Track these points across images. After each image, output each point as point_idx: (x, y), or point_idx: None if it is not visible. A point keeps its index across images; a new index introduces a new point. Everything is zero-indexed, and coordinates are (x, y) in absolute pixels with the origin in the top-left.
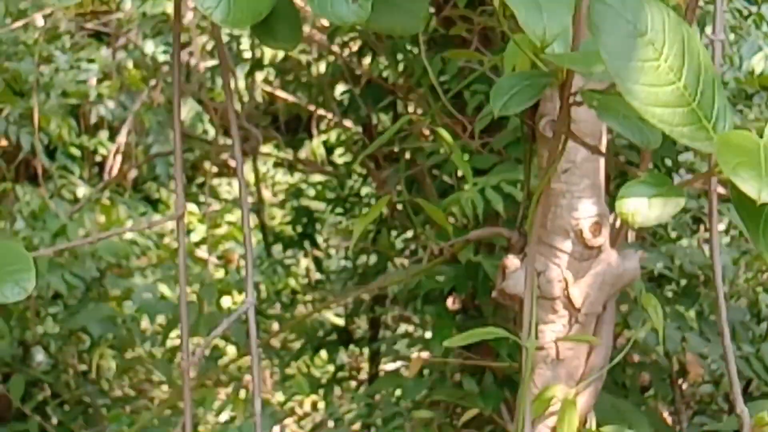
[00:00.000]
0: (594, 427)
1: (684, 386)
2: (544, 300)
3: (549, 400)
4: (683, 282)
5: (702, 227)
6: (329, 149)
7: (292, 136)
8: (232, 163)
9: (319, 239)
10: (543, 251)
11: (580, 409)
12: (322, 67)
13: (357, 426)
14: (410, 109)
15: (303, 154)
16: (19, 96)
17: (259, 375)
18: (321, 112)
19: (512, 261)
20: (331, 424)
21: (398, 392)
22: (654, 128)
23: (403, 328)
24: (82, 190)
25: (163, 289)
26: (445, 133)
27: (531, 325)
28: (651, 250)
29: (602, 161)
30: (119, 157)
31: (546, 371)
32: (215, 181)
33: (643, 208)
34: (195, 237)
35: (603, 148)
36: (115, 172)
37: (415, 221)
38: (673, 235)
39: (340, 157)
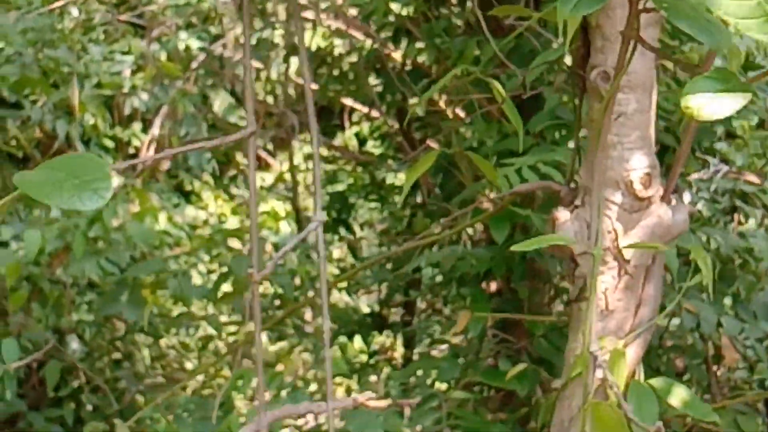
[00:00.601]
0: (642, 379)
1: (719, 372)
2: None
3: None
4: (719, 266)
5: (737, 215)
6: (361, 140)
7: (324, 126)
8: (264, 155)
9: (355, 225)
10: (593, 203)
11: (629, 360)
12: (354, 58)
13: None
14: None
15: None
16: (54, 87)
17: (326, 293)
18: (352, 104)
19: (562, 213)
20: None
21: (433, 375)
22: (721, 29)
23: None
24: (115, 181)
25: (196, 277)
26: (497, 84)
27: (597, 233)
28: (687, 235)
29: (653, 113)
30: (153, 148)
31: (596, 323)
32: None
33: (709, 102)
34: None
35: (653, 100)
36: (149, 163)
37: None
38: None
39: (374, 148)
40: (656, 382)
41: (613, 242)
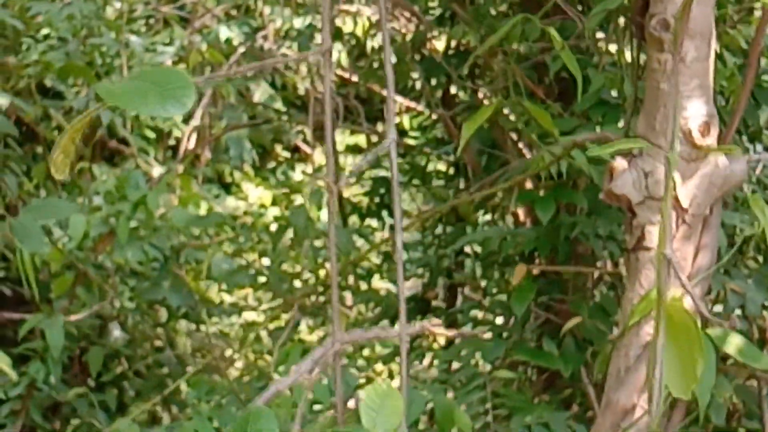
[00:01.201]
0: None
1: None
2: (652, 201)
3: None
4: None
5: None
6: (401, 132)
7: (367, 112)
8: (303, 147)
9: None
10: (651, 152)
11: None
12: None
13: None
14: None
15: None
16: (97, 77)
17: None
18: (396, 96)
19: (620, 162)
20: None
21: (477, 356)
22: None
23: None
24: (157, 171)
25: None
26: (553, 31)
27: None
28: (733, 216)
29: (711, 61)
30: (194, 139)
31: (653, 272)
32: (286, 165)
33: None
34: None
35: (713, 47)
36: (189, 153)
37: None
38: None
39: (413, 139)
40: (712, 331)
41: (671, 191)
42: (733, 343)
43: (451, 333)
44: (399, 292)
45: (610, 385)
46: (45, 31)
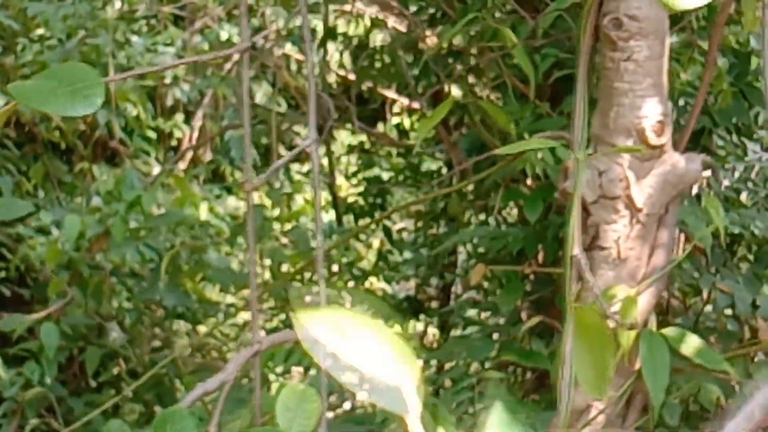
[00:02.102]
0: (655, 328)
1: (755, 356)
2: (606, 200)
3: (610, 300)
4: (755, 248)
5: None
6: (401, 131)
7: (361, 111)
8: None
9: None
10: (605, 151)
11: (641, 308)
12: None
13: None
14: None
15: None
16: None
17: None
18: (393, 95)
19: (574, 162)
20: None
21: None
22: None
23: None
24: (157, 171)
25: (235, 264)
26: (508, 31)
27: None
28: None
29: (665, 60)
30: (195, 139)
31: (608, 271)
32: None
33: None
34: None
35: (667, 47)
36: (190, 154)
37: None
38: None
39: (414, 140)
40: (669, 331)
41: (624, 190)
42: (690, 345)
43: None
44: (321, 291)
45: None
46: (41, 31)
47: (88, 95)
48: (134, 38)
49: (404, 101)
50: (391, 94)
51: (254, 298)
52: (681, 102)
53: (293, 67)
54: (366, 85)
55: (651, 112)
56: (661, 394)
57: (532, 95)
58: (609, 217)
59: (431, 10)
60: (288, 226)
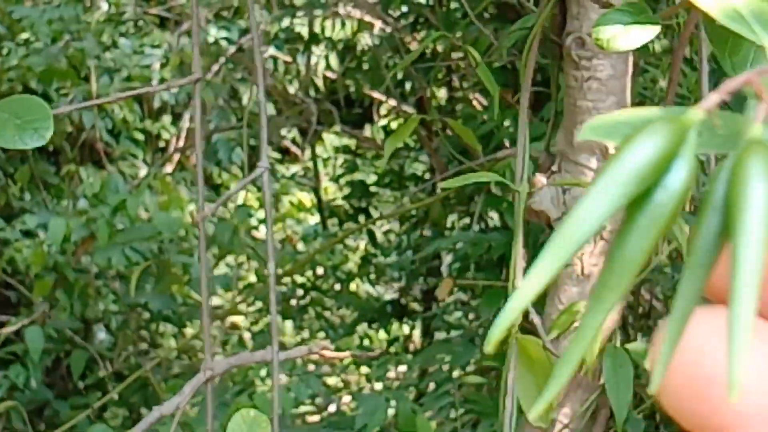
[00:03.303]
0: (618, 344)
1: None
2: None
3: (574, 316)
4: None
5: None
6: (388, 133)
7: (346, 115)
8: (293, 148)
9: (375, 214)
10: (569, 169)
11: (604, 324)
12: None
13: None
14: (463, 80)
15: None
16: (82, 79)
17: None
18: (381, 97)
19: (539, 178)
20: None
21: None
22: None
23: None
24: (142, 172)
25: (222, 267)
26: (472, 50)
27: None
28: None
29: (629, 79)
30: (182, 141)
31: (572, 287)
32: (275, 167)
33: (621, 34)
34: (254, 221)
35: (630, 65)
36: (177, 156)
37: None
38: None
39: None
40: (632, 345)
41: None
42: None
43: (342, 355)
44: (272, 319)
45: None
46: (26, 35)
47: (37, 128)
48: (122, 40)
49: (392, 103)
50: (378, 96)
51: (207, 324)
52: None
53: (281, 69)
54: (353, 88)
55: None
56: (624, 410)
57: (495, 112)
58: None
59: (414, 15)
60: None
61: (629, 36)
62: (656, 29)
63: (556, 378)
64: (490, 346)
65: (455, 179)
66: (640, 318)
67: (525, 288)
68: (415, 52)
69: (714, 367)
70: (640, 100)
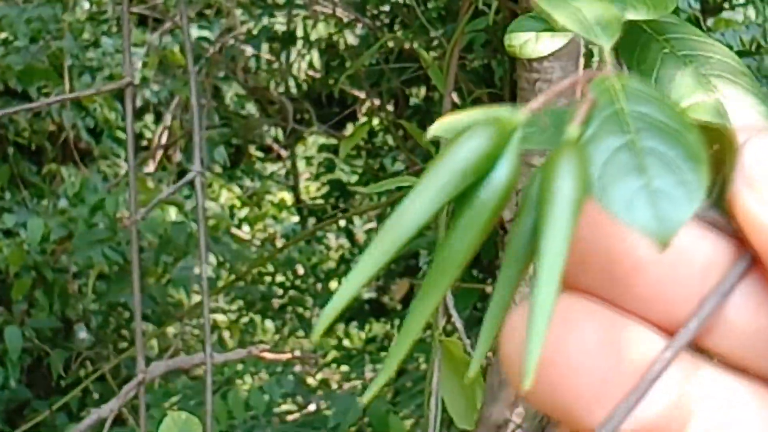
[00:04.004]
0: None
1: None
2: None
3: None
4: None
5: None
6: (371, 132)
7: (326, 114)
8: (275, 146)
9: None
10: (522, 170)
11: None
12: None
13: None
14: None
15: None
16: (62, 78)
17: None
18: (362, 96)
19: None
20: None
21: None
22: None
23: None
24: (121, 171)
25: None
26: (424, 52)
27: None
28: None
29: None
30: (164, 140)
31: (525, 288)
32: (258, 165)
33: (531, 41)
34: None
35: (580, 67)
36: (159, 154)
37: None
38: None
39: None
40: None
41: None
42: None
43: (281, 357)
44: (205, 320)
45: (485, 400)
46: (4, 35)
47: None
48: (104, 39)
49: (377, 102)
50: (360, 95)
51: (139, 332)
52: None
53: (264, 67)
54: (335, 87)
55: None
56: None
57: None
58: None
59: (391, 15)
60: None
61: (541, 43)
62: (568, 36)
63: (384, 371)
64: (315, 335)
65: (375, 185)
66: None
67: (348, 283)
68: (364, 56)
69: (550, 353)
70: None
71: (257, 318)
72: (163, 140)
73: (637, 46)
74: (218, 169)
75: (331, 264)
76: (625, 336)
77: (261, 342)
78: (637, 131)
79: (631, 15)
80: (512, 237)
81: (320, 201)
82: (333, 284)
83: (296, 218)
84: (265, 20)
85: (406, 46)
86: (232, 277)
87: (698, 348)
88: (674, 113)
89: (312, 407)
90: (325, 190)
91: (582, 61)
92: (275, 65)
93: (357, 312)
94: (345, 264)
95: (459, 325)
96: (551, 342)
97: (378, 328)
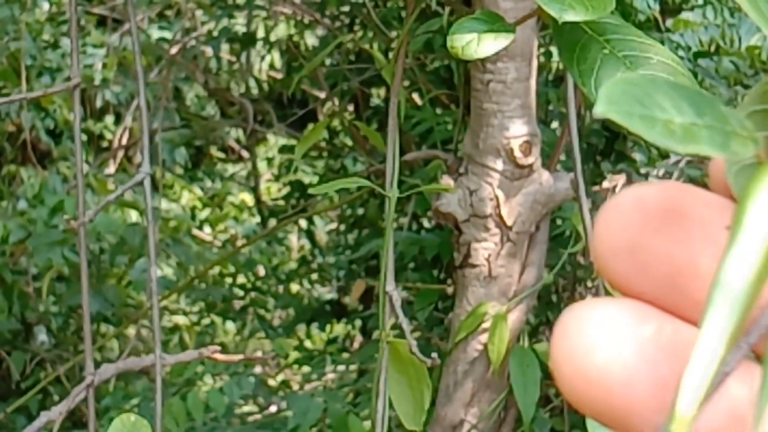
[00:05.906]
0: (527, 344)
1: None
2: (477, 218)
3: (482, 317)
4: None
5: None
6: (331, 133)
7: (285, 115)
8: (236, 147)
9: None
10: (476, 171)
11: (511, 325)
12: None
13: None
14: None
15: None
16: (20, 78)
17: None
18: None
19: (446, 181)
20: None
21: None
22: None
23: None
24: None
25: (166, 269)
26: (377, 53)
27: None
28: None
29: (533, 81)
30: (125, 141)
31: (479, 289)
32: (219, 166)
33: (474, 42)
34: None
35: (534, 68)
36: (120, 155)
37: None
38: None
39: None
40: (540, 346)
41: (494, 209)
42: None
43: (234, 358)
44: (155, 321)
45: (440, 400)
46: None
47: None
48: (63, 40)
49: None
50: (320, 95)
51: (88, 334)
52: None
53: (225, 68)
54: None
55: (519, 132)
56: (531, 409)
57: (402, 113)
58: (480, 235)
59: (350, 15)
60: (220, 227)
61: (482, 44)
62: (510, 37)
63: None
64: (687, 410)
65: (325, 185)
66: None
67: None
68: (315, 60)
69: (607, 359)
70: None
71: (218, 319)
72: (124, 141)
73: (577, 47)
74: (179, 171)
75: (293, 265)
76: (686, 342)
77: (221, 344)
78: None
79: (570, 16)
80: None
81: (281, 202)
82: (294, 286)
83: (257, 219)
84: (225, 21)
85: (366, 46)
86: (190, 277)
87: (756, 355)
88: None
89: (273, 408)
90: (286, 191)
91: (535, 62)
92: (236, 66)
93: (318, 313)
94: (306, 265)
95: (405, 326)
96: (608, 349)
97: (339, 329)
